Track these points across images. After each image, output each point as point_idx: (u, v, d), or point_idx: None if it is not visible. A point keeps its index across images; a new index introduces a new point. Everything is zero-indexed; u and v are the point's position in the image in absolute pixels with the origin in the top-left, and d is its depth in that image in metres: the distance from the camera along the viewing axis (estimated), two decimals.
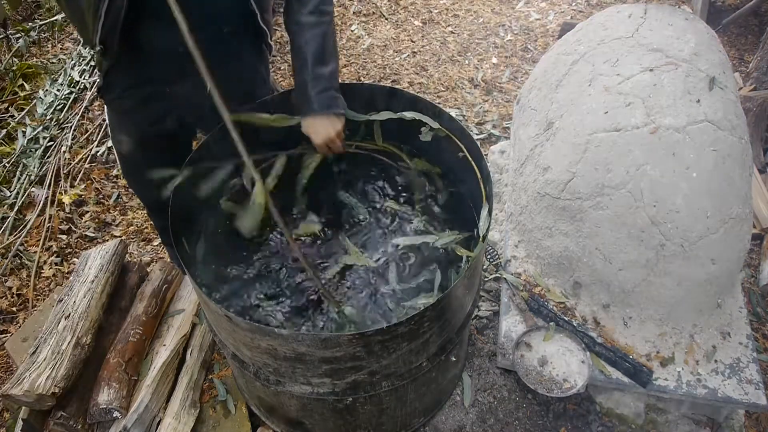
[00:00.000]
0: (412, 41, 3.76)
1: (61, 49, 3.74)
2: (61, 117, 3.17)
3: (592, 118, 1.83)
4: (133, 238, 2.66)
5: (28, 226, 2.67)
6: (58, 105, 3.23)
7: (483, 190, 1.59)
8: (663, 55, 1.84)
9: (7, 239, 2.62)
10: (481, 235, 1.50)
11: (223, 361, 2.08)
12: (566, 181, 1.86)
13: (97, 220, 2.74)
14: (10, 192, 2.80)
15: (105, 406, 1.74)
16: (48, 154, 3.00)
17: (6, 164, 2.91)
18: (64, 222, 2.72)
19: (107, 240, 2.64)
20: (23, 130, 3.06)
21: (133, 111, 1.69)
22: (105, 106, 1.97)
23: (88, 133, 3.13)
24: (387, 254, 1.77)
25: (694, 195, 1.69)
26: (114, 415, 1.78)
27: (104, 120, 3.13)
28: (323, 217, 1.88)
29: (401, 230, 1.83)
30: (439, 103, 3.25)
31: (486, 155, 2.50)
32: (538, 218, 2.01)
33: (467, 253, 1.64)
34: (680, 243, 1.72)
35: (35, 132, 3.06)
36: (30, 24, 3.77)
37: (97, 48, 1.50)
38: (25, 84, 3.42)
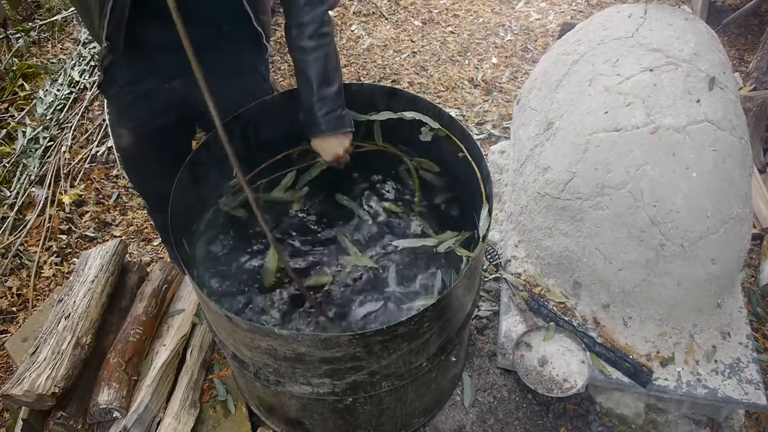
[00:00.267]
0: (412, 41, 3.76)
1: (61, 49, 3.74)
2: (61, 117, 3.17)
3: (592, 118, 1.83)
4: (133, 238, 2.66)
5: (28, 226, 2.67)
6: (58, 105, 3.23)
7: (483, 190, 1.59)
8: (663, 55, 1.84)
9: (7, 239, 2.62)
10: (481, 235, 1.50)
11: (223, 361, 2.08)
12: (566, 181, 1.86)
13: (97, 220, 2.74)
14: (10, 192, 2.80)
15: (105, 406, 1.74)
16: (48, 154, 3.00)
17: (6, 164, 2.91)
18: (64, 222, 2.72)
19: (107, 240, 2.64)
20: (23, 130, 3.06)
21: (133, 105, 1.70)
22: (105, 101, 1.98)
23: (88, 133, 3.13)
24: (387, 256, 1.77)
25: (694, 195, 1.69)
26: (114, 415, 1.78)
27: (104, 120, 3.13)
28: (323, 218, 1.88)
29: (401, 232, 1.83)
30: (439, 103, 3.25)
31: (486, 155, 2.49)
32: (538, 218, 2.01)
33: (467, 254, 1.64)
34: (680, 243, 1.72)
35: (35, 132, 3.06)
36: (30, 24, 3.77)
37: (104, 45, 1.52)
38: (25, 84, 3.42)
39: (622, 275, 1.82)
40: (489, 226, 1.51)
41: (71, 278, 2.06)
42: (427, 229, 1.80)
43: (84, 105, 3.25)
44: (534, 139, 2.11)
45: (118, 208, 2.81)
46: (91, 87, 3.35)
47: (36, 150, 2.99)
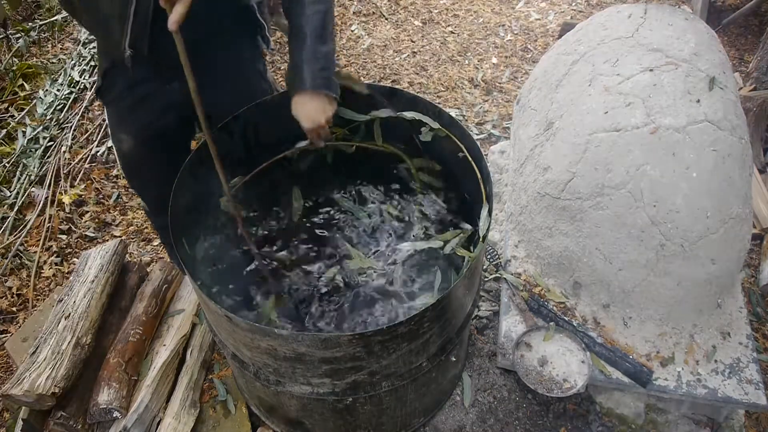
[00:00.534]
0: (412, 41, 3.76)
1: (61, 49, 3.74)
2: (61, 117, 3.17)
3: (592, 118, 1.83)
4: (133, 238, 2.66)
5: (28, 226, 2.67)
6: (58, 105, 3.23)
7: (483, 190, 1.59)
8: (663, 55, 1.84)
9: (7, 239, 2.62)
10: (481, 235, 1.50)
11: (223, 361, 2.08)
12: (566, 181, 1.86)
13: (97, 220, 2.74)
14: (10, 192, 2.80)
15: (105, 406, 1.74)
16: (48, 154, 3.00)
17: (6, 164, 2.91)
18: (64, 222, 2.72)
19: (107, 240, 2.64)
20: (23, 130, 3.06)
21: (134, 109, 1.70)
22: (104, 107, 1.96)
23: (88, 133, 3.13)
24: (388, 257, 1.77)
25: (694, 195, 1.69)
26: (114, 415, 1.78)
27: (104, 120, 3.13)
28: (323, 220, 1.88)
29: (402, 233, 1.83)
30: (439, 103, 3.24)
31: (486, 155, 2.49)
32: (538, 218, 2.01)
33: (467, 254, 1.64)
34: (680, 243, 1.72)
35: (35, 132, 3.06)
36: (30, 24, 3.77)
37: (128, 53, 1.47)
38: (25, 84, 3.42)
39: (622, 275, 1.82)
40: (489, 226, 1.51)
41: (71, 278, 2.06)
42: (427, 231, 1.80)
43: (84, 105, 3.25)
44: (534, 139, 2.11)
45: (118, 208, 2.81)
46: (91, 87, 3.35)
47: (36, 150, 2.99)
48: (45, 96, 3.28)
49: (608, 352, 1.84)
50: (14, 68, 3.45)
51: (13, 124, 3.12)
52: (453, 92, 3.36)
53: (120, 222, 2.75)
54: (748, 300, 2.28)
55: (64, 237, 2.67)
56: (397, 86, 3.11)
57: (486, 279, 2.22)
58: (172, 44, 1.47)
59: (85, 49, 3.59)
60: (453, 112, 3.04)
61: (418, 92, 3.35)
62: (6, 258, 2.55)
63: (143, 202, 2.22)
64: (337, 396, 1.52)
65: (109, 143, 3.02)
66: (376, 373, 1.47)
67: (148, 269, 2.29)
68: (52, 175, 2.86)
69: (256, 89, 1.79)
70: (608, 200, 1.77)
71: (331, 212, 1.91)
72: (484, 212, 1.55)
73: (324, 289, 1.73)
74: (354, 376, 1.45)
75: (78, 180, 2.89)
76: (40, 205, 2.74)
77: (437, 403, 1.93)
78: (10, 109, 3.28)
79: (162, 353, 1.97)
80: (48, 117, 3.15)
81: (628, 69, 1.84)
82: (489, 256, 2.22)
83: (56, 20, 3.84)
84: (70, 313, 1.89)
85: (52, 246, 2.63)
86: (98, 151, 3.02)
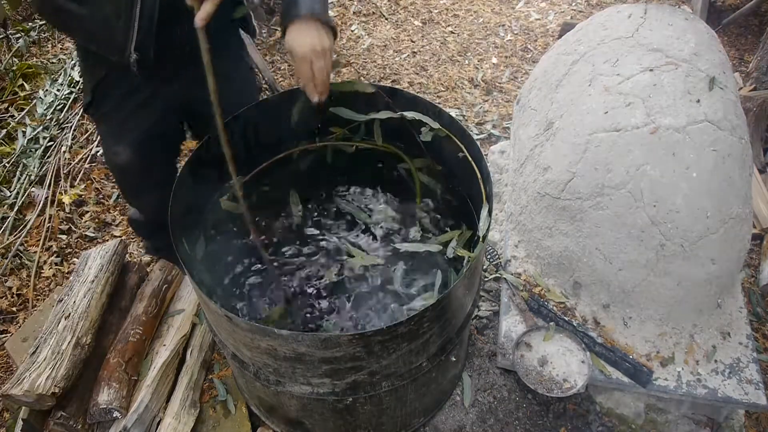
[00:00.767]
0: (412, 41, 3.76)
1: (61, 49, 3.74)
2: (61, 117, 3.17)
3: (592, 118, 1.83)
4: (133, 238, 2.66)
5: (28, 226, 2.67)
6: (58, 105, 3.23)
7: (483, 190, 1.59)
8: (663, 55, 1.84)
9: (7, 239, 2.62)
10: (481, 235, 1.50)
11: (223, 361, 2.08)
12: (566, 181, 1.86)
13: (97, 220, 2.74)
14: (10, 192, 2.80)
15: (105, 406, 1.74)
16: (48, 154, 2.99)
17: (6, 164, 2.91)
18: (64, 222, 2.72)
19: (107, 240, 2.64)
20: (23, 130, 3.06)
21: (132, 117, 1.66)
22: (96, 123, 1.86)
23: (88, 133, 3.13)
24: (388, 257, 1.77)
25: (694, 195, 1.69)
26: (114, 415, 1.78)
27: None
28: (323, 221, 1.89)
29: (403, 234, 1.83)
30: (439, 103, 3.24)
31: (486, 155, 2.49)
32: (538, 218, 2.01)
33: (467, 254, 1.64)
34: (680, 243, 1.72)
35: (35, 132, 3.05)
36: (30, 24, 3.77)
37: (133, 57, 1.41)
38: (25, 84, 3.42)
39: (622, 275, 1.82)
40: (489, 226, 1.51)
41: (71, 278, 2.06)
42: (427, 231, 1.80)
43: None
44: (534, 139, 2.11)
45: (118, 208, 2.81)
46: None
47: (36, 150, 2.99)
48: (45, 96, 3.28)
49: (608, 352, 1.84)
50: (14, 68, 3.45)
51: (13, 124, 3.12)
52: (453, 92, 3.36)
53: (120, 222, 2.75)
54: (748, 300, 2.28)
55: (64, 237, 2.67)
56: (397, 86, 3.11)
57: (486, 279, 2.22)
58: (176, 45, 1.46)
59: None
60: (453, 112, 3.04)
61: (418, 92, 3.35)
62: (6, 258, 2.55)
63: (134, 218, 2.18)
64: (337, 396, 1.52)
65: None
66: (376, 373, 1.47)
67: (148, 269, 2.29)
68: (52, 175, 2.86)
69: (248, 83, 1.77)
70: (608, 200, 1.77)
71: (331, 212, 1.91)
72: (484, 212, 1.55)
73: (324, 289, 1.73)
74: (354, 376, 1.45)
75: (78, 180, 2.89)
76: (40, 205, 2.74)
77: (437, 403, 1.93)
78: (10, 109, 3.28)
79: (162, 353, 1.97)
80: (48, 117, 3.15)
81: (628, 69, 1.84)
82: (489, 256, 2.22)
83: None
84: (70, 313, 1.89)
85: (52, 246, 2.63)
86: (98, 151, 3.02)
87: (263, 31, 3.73)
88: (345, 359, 1.37)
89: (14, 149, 2.97)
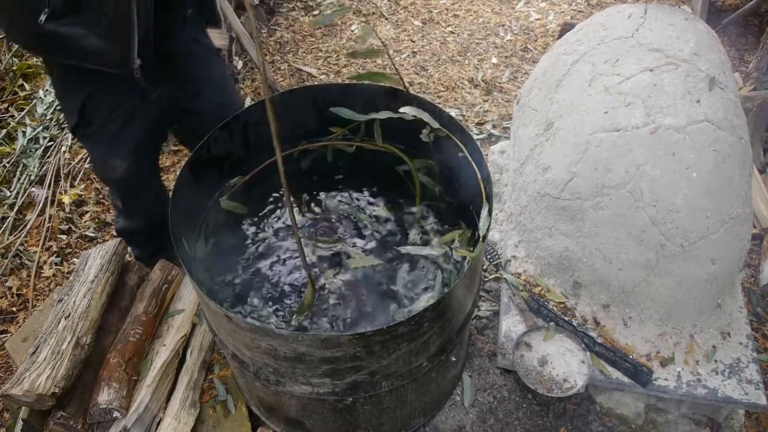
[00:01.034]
0: (412, 41, 3.76)
1: None
2: (61, 117, 3.17)
3: (592, 118, 1.83)
4: None
5: (28, 226, 2.67)
6: (58, 105, 3.23)
7: (483, 190, 1.59)
8: (663, 55, 1.84)
9: (7, 239, 2.62)
10: (481, 235, 1.50)
11: (223, 361, 2.08)
12: (566, 181, 1.86)
13: (97, 220, 2.74)
14: (10, 192, 2.80)
15: (105, 406, 1.74)
16: (48, 154, 3.00)
17: (6, 164, 2.91)
18: (64, 222, 2.72)
19: (107, 240, 2.64)
20: (23, 130, 3.06)
21: (125, 127, 1.65)
22: (86, 141, 1.80)
23: None
24: (388, 258, 1.77)
25: (694, 195, 1.69)
26: (114, 415, 1.78)
27: None
28: (323, 222, 1.88)
29: (403, 234, 1.83)
30: (439, 103, 3.25)
31: (486, 155, 2.49)
32: (538, 218, 2.01)
33: (467, 254, 1.64)
34: (680, 243, 1.72)
35: (35, 132, 3.06)
36: None
37: (137, 63, 1.40)
38: (25, 84, 3.42)
39: (622, 275, 1.82)
40: (489, 226, 1.51)
41: (71, 278, 2.06)
42: (427, 231, 1.80)
43: None
44: (534, 139, 2.11)
45: None
46: None
47: (36, 150, 2.99)
48: (45, 96, 3.28)
49: (608, 352, 1.84)
50: (14, 68, 3.45)
51: (13, 124, 3.13)
52: (453, 92, 3.36)
53: None
54: (748, 300, 2.28)
55: (64, 237, 2.67)
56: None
57: (486, 279, 2.22)
58: (169, 48, 1.47)
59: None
60: (453, 112, 3.04)
61: (418, 92, 3.35)
62: (6, 258, 2.55)
63: (127, 229, 2.18)
64: (337, 396, 1.52)
65: None
66: (376, 373, 1.47)
67: (148, 269, 2.29)
68: (52, 175, 2.86)
69: (225, 78, 1.78)
70: (608, 200, 1.77)
71: (331, 212, 1.91)
72: (484, 212, 1.55)
73: (324, 289, 1.73)
74: (354, 376, 1.45)
75: (78, 180, 2.89)
76: (40, 205, 2.74)
77: (437, 403, 1.93)
78: (10, 109, 3.28)
79: (162, 353, 1.97)
80: (48, 117, 3.15)
81: (628, 69, 1.84)
82: (489, 256, 2.22)
83: None
84: (70, 313, 1.89)
85: (52, 246, 2.63)
86: None
87: (263, 31, 3.73)
88: (345, 359, 1.38)
89: (14, 149, 2.98)
